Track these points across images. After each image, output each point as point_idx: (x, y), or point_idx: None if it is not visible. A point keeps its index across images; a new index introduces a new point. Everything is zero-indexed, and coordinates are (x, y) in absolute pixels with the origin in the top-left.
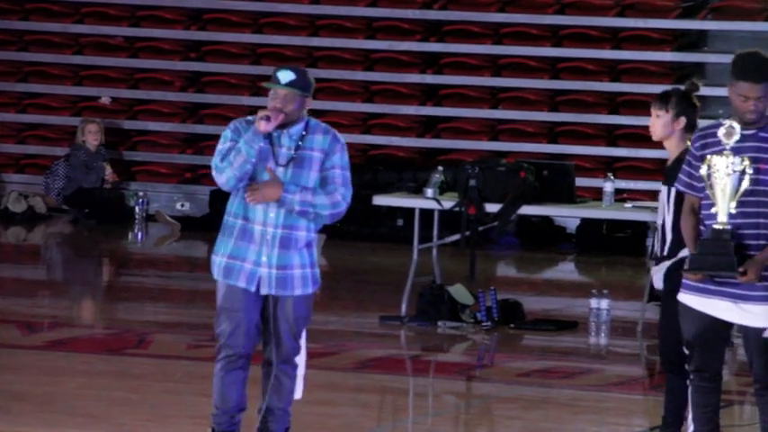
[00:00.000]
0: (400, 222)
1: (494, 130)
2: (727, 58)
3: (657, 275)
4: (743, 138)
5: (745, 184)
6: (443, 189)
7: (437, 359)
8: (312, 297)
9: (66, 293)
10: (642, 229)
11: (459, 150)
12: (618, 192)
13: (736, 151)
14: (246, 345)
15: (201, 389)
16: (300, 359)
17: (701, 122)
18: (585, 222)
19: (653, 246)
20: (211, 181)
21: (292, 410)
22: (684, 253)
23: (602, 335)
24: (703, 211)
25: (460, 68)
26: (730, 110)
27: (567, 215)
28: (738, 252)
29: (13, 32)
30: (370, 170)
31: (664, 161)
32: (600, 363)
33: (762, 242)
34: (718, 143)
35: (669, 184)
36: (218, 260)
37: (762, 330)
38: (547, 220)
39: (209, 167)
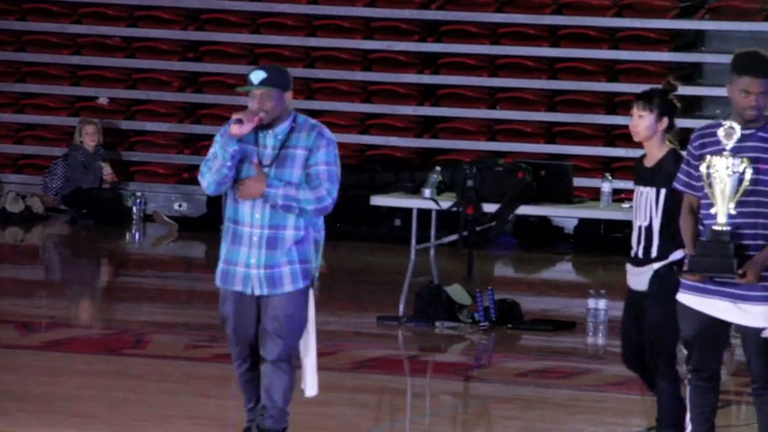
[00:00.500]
0: (398, 222)
1: (491, 130)
2: (725, 59)
3: (638, 277)
4: (742, 137)
5: (745, 184)
6: (441, 189)
7: (435, 359)
8: (305, 293)
9: (64, 294)
10: None
11: (457, 150)
12: (615, 192)
13: (735, 151)
14: (245, 349)
15: (199, 389)
16: (310, 355)
17: (700, 123)
18: (583, 222)
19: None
20: None
21: (291, 410)
22: (677, 255)
23: (600, 335)
24: (702, 211)
25: (458, 68)
26: (728, 110)
27: (565, 215)
28: (737, 252)
29: (11, 32)
30: (368, 170)
31: None
32: (597, 363)
33: (760, 242)
34: (718, 143)
35: (658, 186)
36: (219, 266)
37: (760, 330)
38: (544, 220)
39: None
